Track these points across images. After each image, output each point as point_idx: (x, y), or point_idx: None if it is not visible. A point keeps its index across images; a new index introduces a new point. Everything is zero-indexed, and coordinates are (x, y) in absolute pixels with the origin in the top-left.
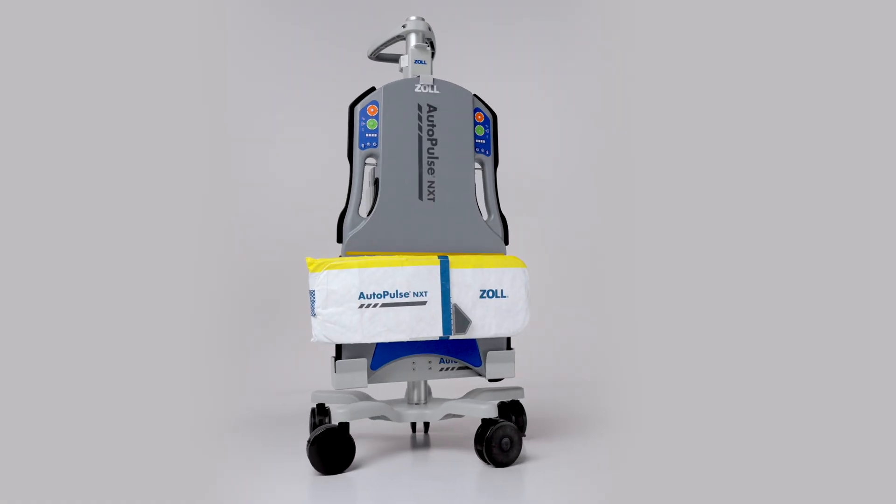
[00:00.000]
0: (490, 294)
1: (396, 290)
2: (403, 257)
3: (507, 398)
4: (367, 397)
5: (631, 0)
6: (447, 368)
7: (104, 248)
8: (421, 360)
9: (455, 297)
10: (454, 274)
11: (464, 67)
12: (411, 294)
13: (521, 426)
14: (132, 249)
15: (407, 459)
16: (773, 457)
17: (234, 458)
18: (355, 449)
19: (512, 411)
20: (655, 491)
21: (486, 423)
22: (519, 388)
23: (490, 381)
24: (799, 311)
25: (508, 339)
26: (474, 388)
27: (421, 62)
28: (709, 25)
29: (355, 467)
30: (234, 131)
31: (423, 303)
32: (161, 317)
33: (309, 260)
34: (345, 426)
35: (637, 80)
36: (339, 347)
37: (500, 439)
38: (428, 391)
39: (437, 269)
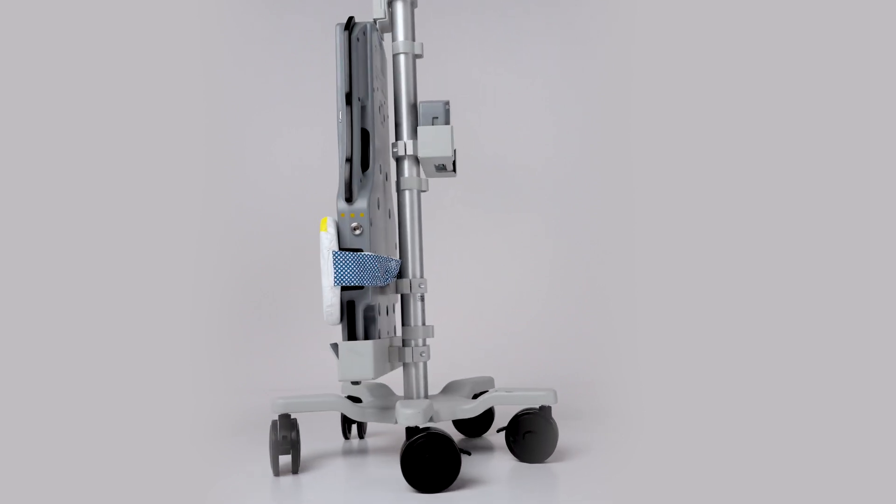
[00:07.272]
0: None
1: None
2: None
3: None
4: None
5: None
6: None
7: (100, 244)
8: None
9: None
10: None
11: (463, 61)
12: None
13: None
14: (127, 245)
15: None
16: (777, 457)
17: (231, 460)
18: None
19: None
20: (661, 494)
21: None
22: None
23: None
24: (802, 306)
25: (352, 326)
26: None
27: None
28: (710, 15)
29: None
30: (232, 124)
31: None
32: (157, 312)
33: None
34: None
35: (638, 73)
36: None
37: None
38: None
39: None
